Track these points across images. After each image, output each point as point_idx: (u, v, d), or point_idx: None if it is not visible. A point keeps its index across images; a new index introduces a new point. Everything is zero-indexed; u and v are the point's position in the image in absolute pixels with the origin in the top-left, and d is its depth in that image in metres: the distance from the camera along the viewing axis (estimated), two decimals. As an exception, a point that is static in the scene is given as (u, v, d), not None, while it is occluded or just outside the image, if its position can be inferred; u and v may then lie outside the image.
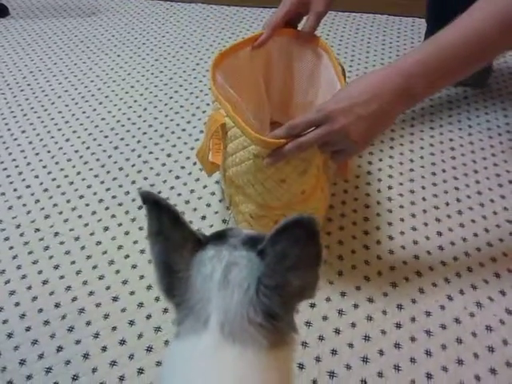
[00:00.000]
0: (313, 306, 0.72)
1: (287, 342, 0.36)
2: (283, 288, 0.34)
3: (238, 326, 0.33)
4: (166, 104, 1.17)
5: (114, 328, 0.70)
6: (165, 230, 0.37)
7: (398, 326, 0.70)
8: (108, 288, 0.75)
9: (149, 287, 0.75)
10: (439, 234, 0.83)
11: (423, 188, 0.91)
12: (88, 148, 1.04)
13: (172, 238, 0.37)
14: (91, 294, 0.75)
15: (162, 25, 1.55)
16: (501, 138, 1.03)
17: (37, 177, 0.97)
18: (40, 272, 0.78)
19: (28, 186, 0.95)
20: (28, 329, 0.71)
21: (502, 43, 0.59)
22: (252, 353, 0.33)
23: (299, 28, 0.82)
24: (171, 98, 1.19)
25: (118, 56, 1.38)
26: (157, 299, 0.73)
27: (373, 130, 0.60)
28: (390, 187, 0.91)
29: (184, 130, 1.08)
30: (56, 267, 0.79)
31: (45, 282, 0.77)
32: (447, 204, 0.88)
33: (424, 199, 0.89)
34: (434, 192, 0.90)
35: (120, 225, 0.85)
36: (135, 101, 1.19)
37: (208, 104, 1.15)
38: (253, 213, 0.74)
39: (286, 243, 0.34)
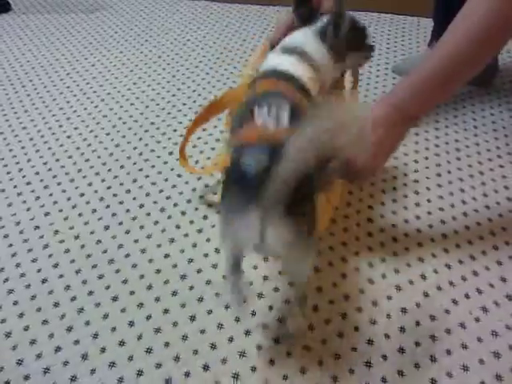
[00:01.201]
0: (316, 309, 0.71)
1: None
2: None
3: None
4: (168, 102, 1.16)
5: (114, 328, 0.69)
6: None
7: (402, 330, 0.68)
8: (108, 287, 0.74)
9: (149, 287, 0.74)
10: (444, 236, 0.81)
11: (428, 189, 0.90)
12: (89, 145, 1.03)
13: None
14: (91, 293, 0.74)
15: (165, 21, 1.54)
16: (507, 139, 1.02)
17: (37, 173, 0.96)
18: (39, 270, 0.77)
19: (28, 183, 0.94)
20: (26, 328, 0.70)
21: (483, 56, 0.63)
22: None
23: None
24: (174, 95, 1.18)
25: (121, 52, 1.37)
26: (157, 299, 0.72)
27: (377, 157, 0.65)
28: (394, 188, 0.90)
29: (186, 128, 1.07)
30: (55, 266, 0.78)
31: (44, 281, 0.76)
32: (452, 206, 0.87)
33: (429, 201, 0.88)
34: (439, 193, 0.89)
35: (121, 223, 0.84)
36: (137, 98, 1.17)
37: (211, 102, 1.14)
38: None
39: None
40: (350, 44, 0.68)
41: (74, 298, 0.73)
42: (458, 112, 1.09)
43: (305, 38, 0.67)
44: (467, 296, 0.73)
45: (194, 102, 1.15)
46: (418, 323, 0.69)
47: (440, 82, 0.62)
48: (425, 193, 0.89)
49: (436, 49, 0.64)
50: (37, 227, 0.85)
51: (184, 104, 1.14)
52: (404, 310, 0.71)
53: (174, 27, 1.50)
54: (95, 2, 1.69)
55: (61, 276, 0.76)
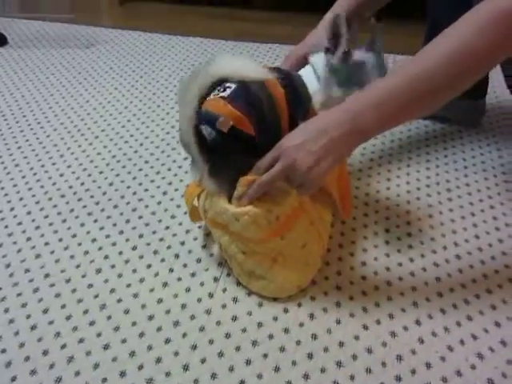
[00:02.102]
0: (310, 356, 0.70)
1: None
2: None
3: None
4: (162, 139, 1.16)
5: (105, 379, 0.67)
6: None
7: (398, 378, 0.68)
8: (99, 335, 0.73)
9: (141, 334, 0.73)
10: (438, 279, 0.81)
11: (420, 231, 0.91)
12: (82, 184, 1.03)
13: None
14: (81, 341, 0.72)
15: (160, 58, 1.56)
16: (496, 179, 1.03)
17: (29, 213, 0.95)
18: (28, 316, 0.76)
19: (19, 223, 0.93)
20: (14, 379, 0.67)
21: (449, 87, 0.61)
22: None
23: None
24: (168, 133, 1.19)
25: (116, 89, 1.39)
26: (149, 348, 0.71)
27: (322, 164, 0.63)
28: (387, 230, 0.91)
29: (180, 167, 1.07)
30: (45, 311, 0.76)
31: (33, 328, 0.74)
32: (445, 248, 0.87)
33: (422, 243, 0.88)
34: (432, 235, 0.90)
35: (113, 267, 0.83)
36: (131, 135, 1.18)
37: (205, 140, 1.15)
38: (244, 249, 0.73)
39: None
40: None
41: (63, 346, 0.71)
42: (448, 152, 1.11)
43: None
44: (462, 342, 0.72)
45: (188, 139, 1.16)
46: (413, 371, 0.68)
47: (399, 104, 0.60)
48: (417, 234, 0.90)
49: (402, 67, 0.62)
50: (27, 270, 0.83)
51: (178, 142, 1.15)
52: (399, 358, 0.70)
53: (169, 64, 1.52)
54: (91, 38, 1.72)
55: (51, 322, 0.75)
